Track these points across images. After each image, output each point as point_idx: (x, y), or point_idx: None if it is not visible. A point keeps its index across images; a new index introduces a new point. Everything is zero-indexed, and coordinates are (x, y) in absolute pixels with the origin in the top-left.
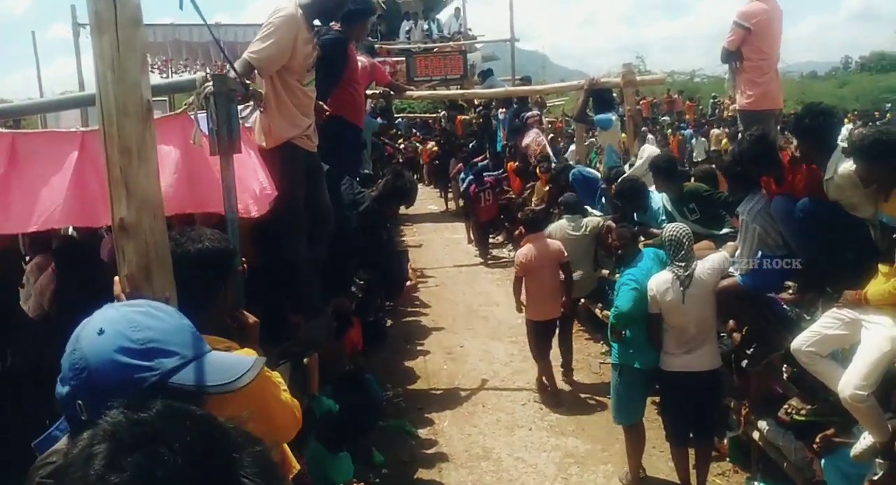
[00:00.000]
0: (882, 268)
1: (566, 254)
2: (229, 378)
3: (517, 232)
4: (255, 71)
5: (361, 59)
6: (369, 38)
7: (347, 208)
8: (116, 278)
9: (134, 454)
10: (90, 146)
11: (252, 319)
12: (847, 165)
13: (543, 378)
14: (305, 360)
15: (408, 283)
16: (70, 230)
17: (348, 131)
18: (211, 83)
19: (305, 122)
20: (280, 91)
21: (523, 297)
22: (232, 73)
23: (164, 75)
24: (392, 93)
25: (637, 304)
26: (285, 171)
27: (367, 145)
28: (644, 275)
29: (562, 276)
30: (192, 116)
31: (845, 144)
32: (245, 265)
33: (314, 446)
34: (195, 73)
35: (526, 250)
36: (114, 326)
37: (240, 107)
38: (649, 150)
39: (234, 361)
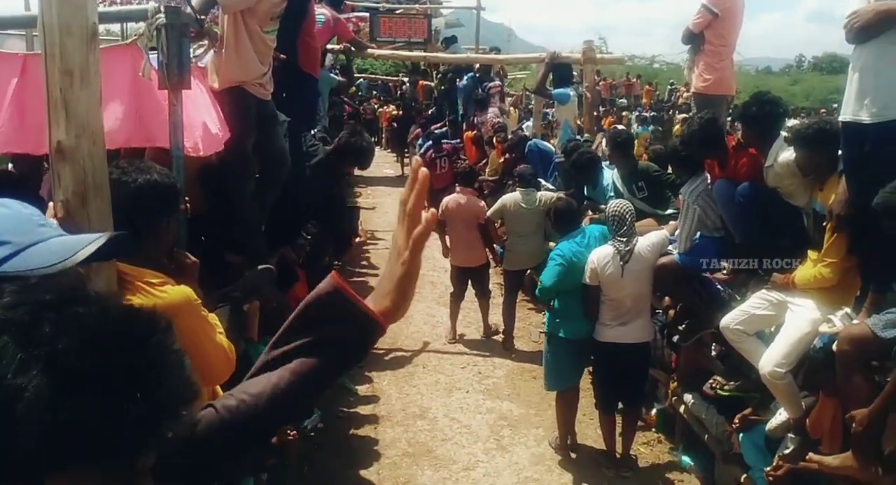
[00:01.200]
0: (811, 254)
1: (486, 214)
2: (65, 255)
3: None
4: (218, 8)
5: (324, 12)
6: None
7: (302, 159)
8: (50, 203)
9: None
10: (32, 70)
11: (191, 259)
12: (787, 155)
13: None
14: (246, 307)
15: (356, 239)
16: (9, 166)
17: (304, 81)
18: (163, 15)
19: (260, 69)
20: (241, 32)
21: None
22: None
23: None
24: (353, 49)
25: (561, 279)
26: (234, 116)
27: (325, 101)
28: (572, 251)
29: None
30: (142, 48)
31: (787, 134)
32: (188, 205)
33: None
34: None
35: (449, 199)
36: None
37: (194, 46)
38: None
39: (78, 240)
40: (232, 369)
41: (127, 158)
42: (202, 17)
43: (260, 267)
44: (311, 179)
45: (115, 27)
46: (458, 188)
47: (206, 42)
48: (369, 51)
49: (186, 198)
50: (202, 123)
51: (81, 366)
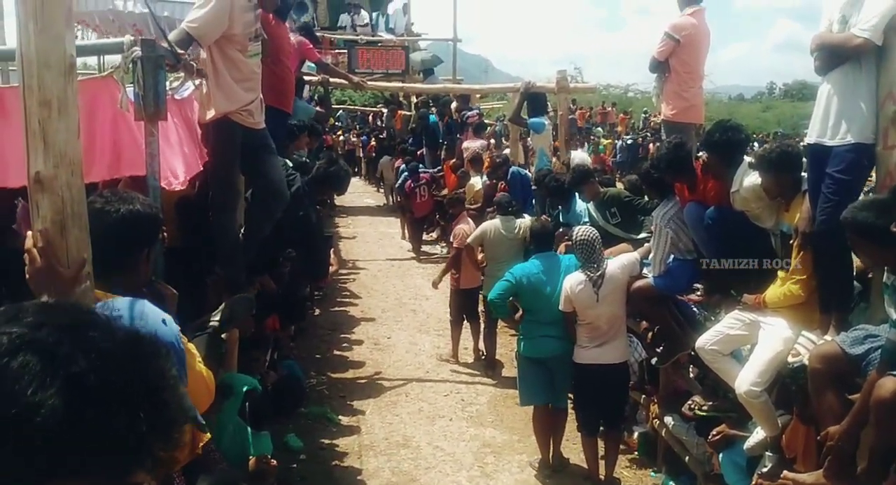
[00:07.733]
0: (780, 274)
1: (467, 240)
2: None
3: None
4: (197, 42)
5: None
6: (307, 21)
7: None
8: (30, 232)
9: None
10: (10, 103)
11: (171, 290)
12: (752, 179)
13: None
14: (224, 335)
15: (331, 268)
16: None
17: (272, 118)
18: (139, 47)
19: (246, 97)
20: (218, 62)
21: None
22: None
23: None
24: (329, 78)
25: (503, 294)
26: (217, 147)
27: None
28: (524, 273)
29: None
30: (119, 80)
31: (752, 159)
32: (165, 234)
33: (238, 422)
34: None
35: (465, 226)
36: None
37: (171, 77)
38: (579, 156)
39: None
40: (211, 398)
41: (108, 188)
42: (182, 52)
43: (238, 296)
44: (289, 208)
45: (93, 61)
46: (460, 216)
47: (182, 74)
48: (345, 78)
49: (164, 228)
50: (174, 158)
51: (95, 385)
